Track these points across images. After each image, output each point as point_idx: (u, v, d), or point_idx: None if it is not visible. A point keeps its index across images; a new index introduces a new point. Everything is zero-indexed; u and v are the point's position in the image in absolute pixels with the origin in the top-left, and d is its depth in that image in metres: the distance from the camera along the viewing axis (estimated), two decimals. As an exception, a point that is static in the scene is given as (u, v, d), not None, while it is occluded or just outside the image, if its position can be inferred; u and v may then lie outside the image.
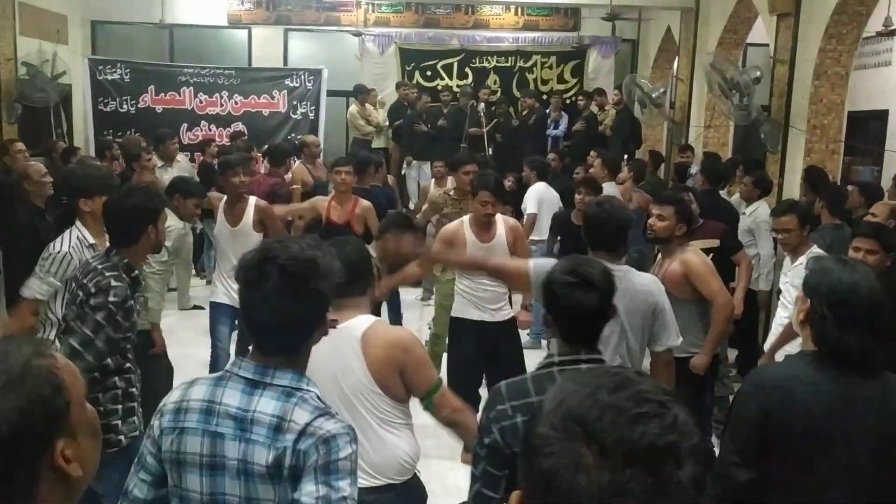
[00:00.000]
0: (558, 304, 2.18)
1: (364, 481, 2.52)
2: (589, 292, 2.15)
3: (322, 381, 2.45)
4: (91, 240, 3.58)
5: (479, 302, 4.60)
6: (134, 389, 3.00)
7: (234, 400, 1.70)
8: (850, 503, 2.01)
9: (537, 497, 0.80)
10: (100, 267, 2.91)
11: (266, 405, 1.68)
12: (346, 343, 2.49)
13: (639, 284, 3.20)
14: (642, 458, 0.75)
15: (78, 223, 3.63)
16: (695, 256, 3.98)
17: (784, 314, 4.22)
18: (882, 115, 9.66)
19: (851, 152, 8.94)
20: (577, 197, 5.76)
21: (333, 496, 1.61)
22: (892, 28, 8.14)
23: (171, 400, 1.77)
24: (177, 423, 1.71)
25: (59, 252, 3.52)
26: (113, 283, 2.83)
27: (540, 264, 3.07)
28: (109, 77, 10.73)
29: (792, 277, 4.08)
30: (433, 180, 7.60)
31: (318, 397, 1.74)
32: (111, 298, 2.81)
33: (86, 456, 1.04)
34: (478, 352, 4.64)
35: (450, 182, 6.60)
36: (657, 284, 3.33)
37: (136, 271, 3.00)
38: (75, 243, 3.53)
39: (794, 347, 3.81)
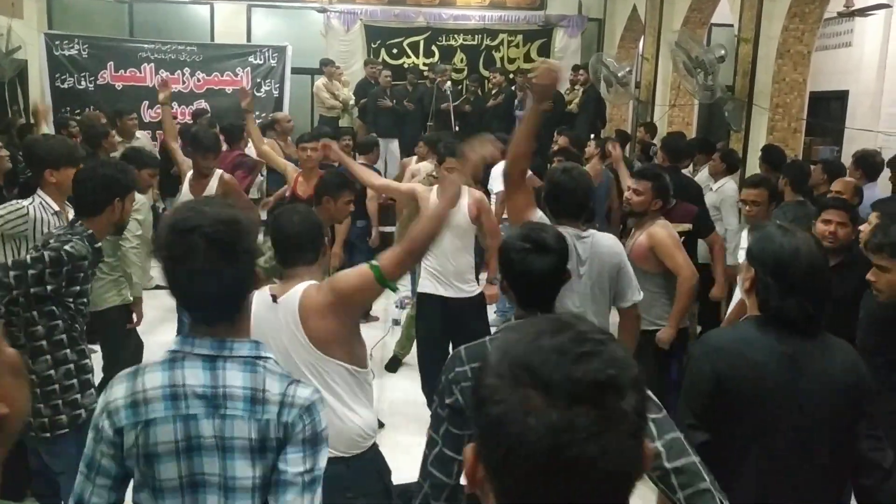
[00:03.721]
0: (513, 270, 2.20)
1: None
2: (543, 256, 2.16)
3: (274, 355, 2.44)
4: (55, 207, 3.49)
5: (445, 277, 4.59)
6: (87, 361, 2.94)
7: (198, 379, 1.64)
8: (804, 464, 2.05)
9: (489, 445, 0.82)
10: (62, 233, 2.86)
11: (234, 378, 1.65)
12: (288, 316, 2.45)
13: (604, 246, 3.28)
14: (587, 393, 0.79)
15: (40, 192, 3.52)
16: (661, 230, 3.98)
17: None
18: (842, 96, 9.82)
19: (812, 132, 9.08)
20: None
21: (316, 471, 1.69)
22: (853, 9, 8.27)
23: (117, 396, 1.65)
24: (139, 417, 1.62)
25: (17, 205, 3.45)
26: (74, 240, 2.77)
27: None
28: (67, 53, 10.47)
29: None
30: (415, 157, 7.57)
31: (276, 363, 1.73)
32: (65, 249, 2.73)
33: (9, 395, 1.00)
34: (444, 328, 4.62)
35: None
36: (618, 244, 3.42)
37: (99, 243, 2.94)
38: (38, 205, 3.45)
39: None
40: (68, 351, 2.86)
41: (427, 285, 4.65)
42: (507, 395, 0.81)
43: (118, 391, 1.65)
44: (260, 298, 2.44)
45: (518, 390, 0.80)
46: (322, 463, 1.72)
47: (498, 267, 2.31)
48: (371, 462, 2.62)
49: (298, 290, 2.48)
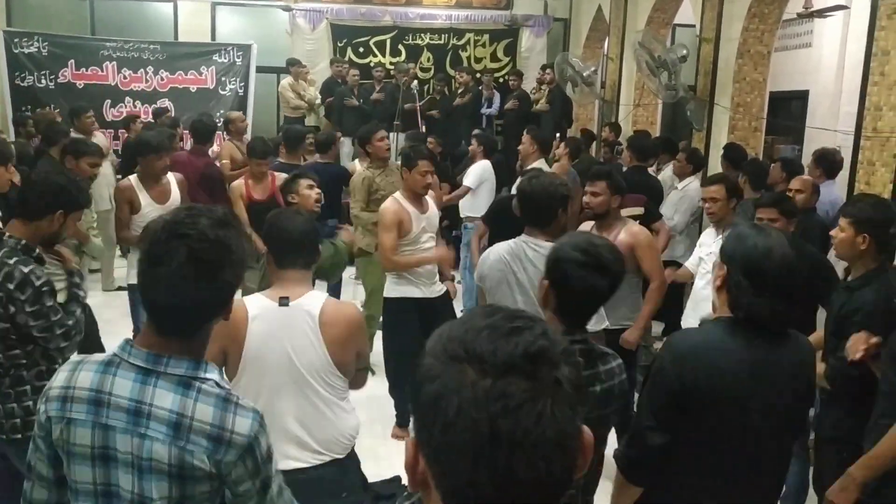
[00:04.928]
0: (570, 286, 2.11)
1: (312, 459, 2.53)
2: (603, 277, 2.10)
3: (274, 360, 2.45)
4: None
5: (418, 279, 4.52)
6: (57, 364, 2.91)
7: (125, 391, 1.56)
8: (749, 465, 2.08)
9: (427, 425, 0.83)
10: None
11: (163, 399, 1.56)
12: (302, 321, 2.48)
13: None
14: (519, 364, 0.81)
15: None
16: (643, 232, 3.94)
17: (701, 283, 4.32)
18: (803, 96, 9.97)
19: (774, 131, 9.22)
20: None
21: (270, 482, 1.66)
22: (812, 10, 8.41)
23: (56, 384, 1.61)
24: (64, 413, 1.58)
25: None
26: (23, 269, 2.69)
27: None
28: (26, 50, 10.27)
29: (717, 249, 4.16)
30: (356, 160, 7.23)
31: (217, 384, 1.61)
32: (37, 285, 2.68)
33: None
34: (420, 330, 4.48)
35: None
36: None
37: (37, 250, 2.81)
38: None
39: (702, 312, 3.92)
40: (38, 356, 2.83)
41: (400, 289, 4.49)
42: (442, 370, 0.83)
43: (59, 379, 1.62)
44: (258, 304, 2.47)
45: (453, 365, 0.83)
46: (273, 470, 1.67)
47: (546, 273, 2.21)
48: (354, 459, 2.72)
49: (315, 298, 2.52)
